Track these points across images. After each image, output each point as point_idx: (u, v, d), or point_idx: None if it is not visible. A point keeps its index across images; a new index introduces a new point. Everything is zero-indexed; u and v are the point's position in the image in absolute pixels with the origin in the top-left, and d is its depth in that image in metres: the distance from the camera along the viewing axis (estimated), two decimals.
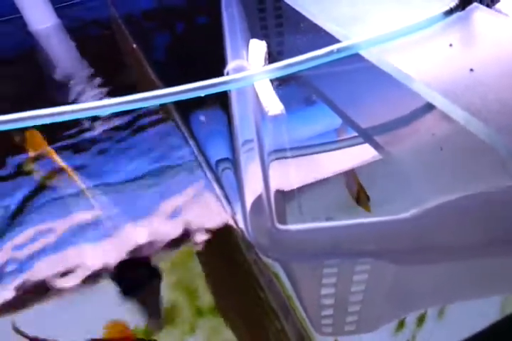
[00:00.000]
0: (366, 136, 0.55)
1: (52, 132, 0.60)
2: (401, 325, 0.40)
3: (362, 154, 0.54)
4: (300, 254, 0.41)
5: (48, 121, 0.43)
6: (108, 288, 0.45)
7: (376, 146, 0.53)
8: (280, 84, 0.55)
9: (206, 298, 0.42)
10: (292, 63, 0.46)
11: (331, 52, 0.47)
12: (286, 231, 0.41)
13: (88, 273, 0.45)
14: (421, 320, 0.40)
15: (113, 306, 0.43)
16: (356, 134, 0.56)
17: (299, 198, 0.48)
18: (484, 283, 0.42)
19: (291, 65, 0.46)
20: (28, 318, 0.43)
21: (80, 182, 0.54)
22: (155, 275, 0.45)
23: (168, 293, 0.43)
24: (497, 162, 0.42)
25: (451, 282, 0.42)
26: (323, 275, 0.40)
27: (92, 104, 0.43)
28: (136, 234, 0.48)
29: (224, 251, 0.44)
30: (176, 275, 0.44)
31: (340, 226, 0.40)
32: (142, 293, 0.44)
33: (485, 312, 0.40)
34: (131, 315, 0.42)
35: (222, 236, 0.45)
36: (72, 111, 0.43)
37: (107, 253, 0.47)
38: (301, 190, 0.49)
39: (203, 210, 0.48)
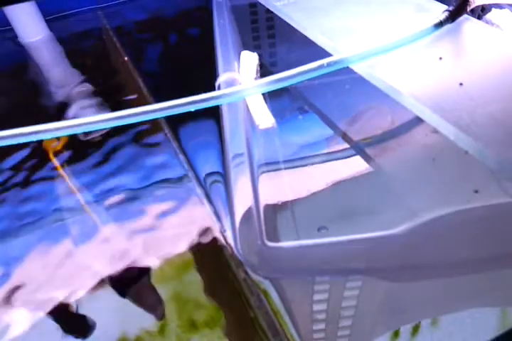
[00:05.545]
0: (357, 147, 0.55)
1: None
2: (396, 334, 0.40)
3: (353, 166, 0.54)
4: (290, 271, 0.41)
5: (39, 137, 0.43)
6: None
7: (366, 158, 0.53)
8: (270, 95, 0.54)
9: (198, 315, 0.42)
10: (283, 77, 0.46)
11: (321, 67, 0.47)
12: (276, 249, 0.40)
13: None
14: (415, 329, 0.40)
15: None
16: (347, 146, 0.56)
17: (292, 211, 0.48)
18: (480, 295, 0.42)
19: (282, 80, 0.46)
20: None
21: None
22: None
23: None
24: (488, 176, 0.42)
25: (446, 294, 0.42)
26: (314, 292, 0.39)
27: (80, 121, 0.43)
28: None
29: (213, 269, 0.44)
30: (165, 292, 0.44)
31: (330, 243, 0.40)
32: (134, 291, 0.44)
33: (483, 320, 0.39)
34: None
35: (211, 253, 0.45)
36: (61, 128, 0.43)
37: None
38: (293, 202, 0.49)
39: (191, 226, 0.48)
